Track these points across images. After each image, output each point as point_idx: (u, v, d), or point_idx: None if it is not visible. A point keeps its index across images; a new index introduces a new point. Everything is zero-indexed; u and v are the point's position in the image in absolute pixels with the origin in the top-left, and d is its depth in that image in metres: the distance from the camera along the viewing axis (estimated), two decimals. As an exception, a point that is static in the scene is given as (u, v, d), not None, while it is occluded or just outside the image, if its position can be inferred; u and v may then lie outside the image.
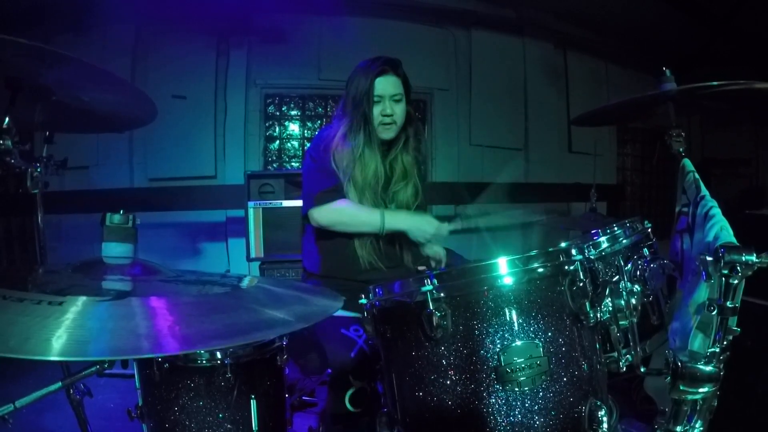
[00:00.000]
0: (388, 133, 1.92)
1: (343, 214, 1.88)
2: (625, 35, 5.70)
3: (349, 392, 1.57)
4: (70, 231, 4.26)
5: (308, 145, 4.51)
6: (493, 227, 2.03)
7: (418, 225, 1.88)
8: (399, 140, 1.99)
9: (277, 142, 5.07)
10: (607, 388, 1.14)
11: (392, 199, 1.99)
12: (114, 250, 1.17)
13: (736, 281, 1.01)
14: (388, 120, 1.89)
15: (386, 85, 1.88)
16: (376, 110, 1.88)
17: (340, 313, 1.56)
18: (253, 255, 3.16)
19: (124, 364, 1.36)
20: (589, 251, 1.15)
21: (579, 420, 1.03)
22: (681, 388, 1.07)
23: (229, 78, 4.71)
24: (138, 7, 4.27)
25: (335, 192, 1.88)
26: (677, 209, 1.51)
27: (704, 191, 1.35)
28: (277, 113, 5.06)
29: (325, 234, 1.95)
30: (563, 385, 1.03)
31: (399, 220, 1.89)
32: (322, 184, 1.89)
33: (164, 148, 4.56)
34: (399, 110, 1.91)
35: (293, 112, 5.10)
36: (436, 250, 2.04)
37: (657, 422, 1.17)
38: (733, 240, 1.13)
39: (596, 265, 1.15)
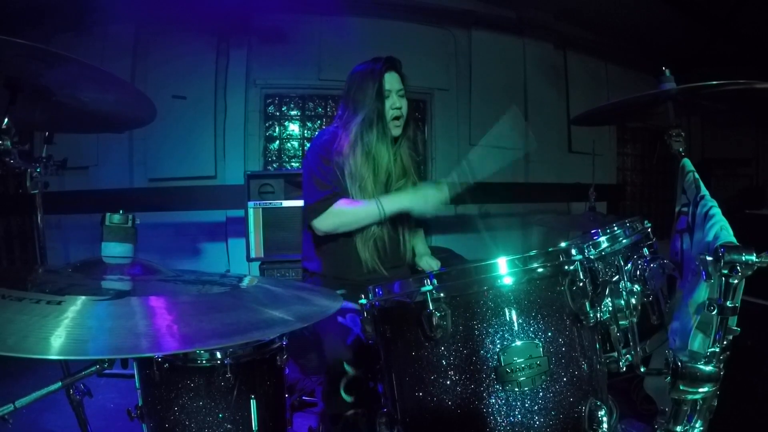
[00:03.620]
0: (397, 129, 1.96)
1: (342, 215, 1.88)
2: (625, 35, 5.70)
3: (344, 380, 1.56)
4: (70, 231, 4.26)
5: (308, 145, 4.53)
6: (484, 174, 1.97)
7: (418, 199, 1.88)
8: (401, 137, 2.01)
9: (277, 142, 5.07)
10: (607, 388, 1.14)
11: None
12: (114, 250, 1.17)
13: (736, 281, 1.01)
14: (398, 113, 1.94)
15: (392, 80, 1.93)
16: (387, 104, 1.91)
17: None
18: (253, 255, 3.16)
19: (124, 363, 1.36)
20: (589, 251, 1.15)
21: (579, 420, 1.03)
22: (681, 388, 1.07)
23: (229, 78, 4.71)
24: (138, 6, 4.27)
25: (331, 199, 1.88)
26: (677, 209, 1.50)
27: (704, 191, 1.35)
28: (277, 113, 5.06)
29: (326, 237, 1.95)
30: (563, 385, 1.03)
31: (397, 201, 1.89)
32: (318, 194, 1.90)
33: (164, 148, 4.56)
34: (405, 104, 1.97)
35: (293, 112, 5.10)
36: (429, 264, 2.05)
37: (657, 422, 1.17)
38: (733, 240, 1.13)
39: (596, 265, 1.15)
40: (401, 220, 2.00)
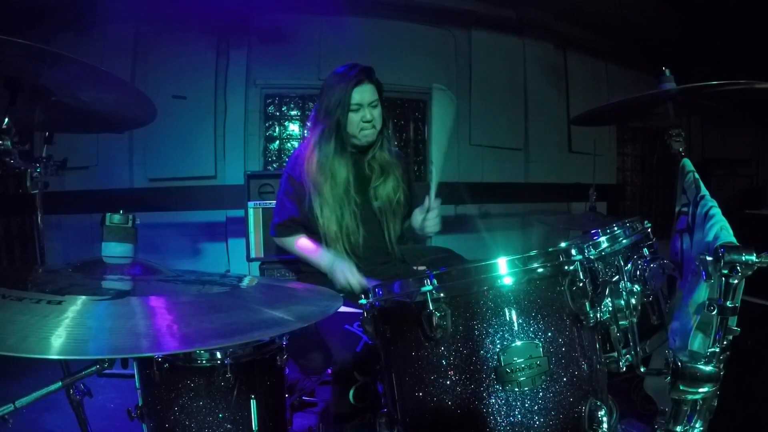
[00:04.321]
0: (369, 138, 1.99)
1: (291, 249, 2.07)
2: (625, 35, 5.70)
3: (354, 387, 1.57)
4: (70, 231, 4.26)
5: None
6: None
7: (336, 274, 1.84)
8: (376, 142, 2.04)
9: (277, 142, 5.07)
10: (607, 388, 1.14)
11: (375, 196, 2.04)
12: (114, 250, 1.16)
13: (736, 281, 1.01)
14: (368, 126, 1.96)
15: (364, 93, 1.94)
16: (357, 117, 1.94)
17: (343, 308, 1.57)
18: (253, 255, 3.16)
19: (124, 363, 1.36)
20: (589, 251, 1.15)
21: (579, 420, 1.03)
22: (681, 388, 1.07)
23: (229, 78, 4.72)
24: (138, 6, 4.28)
25: (288, 227, 2.03)
26: (677, 209, 1.50)
27: (704, 191, 1.35)
28: (277, 113, 5.06)
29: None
30: (563, 385, 1.03)
31: (322, 261, 1.93)
32: (277, 215, 2.06)
33: (164, 148, 4.57)
34: (377, 114, 1.99)
35: (293, 112, 5.10)
36: (418, 217, 2.02)
37: (657, 422, 1.17)
38: (733, 240, 1.13)
39: (596, 265, 1.15)
40: (386, 219, 2.03)
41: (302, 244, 2.02)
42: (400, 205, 2.07)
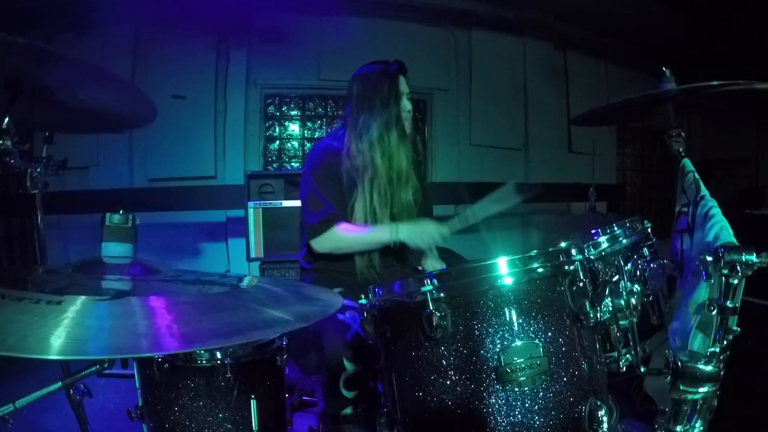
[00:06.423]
0: (406, 130, 1.97)
1: (341, 240, 1.90)
2: (625, 35, 5.70)
3: (344, 376, 1.57)
4: (70, 231, 4.26)
5: (309, 146, 4.51)
6: (490, 215, 1.99)
7: (415, 235, 1.87)
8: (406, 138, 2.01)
9: (277, 142, 5.07)
10: (607, 388, 1.14)
11: (394, 200, 2.00)
12: (113, 250, 1.16)
13: (736, 281, 1.01)
14: (409, 116, 1.97)
15: (403, 84, 1.96)
16: (400, 107, 1.93)
17: None
18: (253, 255, 3.16)
19: (124, 363, 1.36)
20: (589, 251, 1.15)
21: (579, 420, 1.03)
22: (681, 387, 1.07)
23: (229, 78, 4.71)
24: (138, 6, 4.28)
25: (330, 220, 1.89)
26: (677, 209, 1.50)
27: (704, 191, 1.35)
28: (277, 113, 5.06)
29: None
30: (563, 385, 1.03)
31: (404, 232, 1.88)
32: (316, 215, 1.91)
33: (164, 148, 4.56)
34: (411, 107, 1.99)
35: (293, 113, 5.10)
36: (433, 265, 2.03)
37: (657, 422, 1.17)
38: (733, 240, 1.13)
39: (596, 265, 1.15)
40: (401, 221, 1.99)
41: (345, 227, 1.91)
42: (414, 209, 2.04)
